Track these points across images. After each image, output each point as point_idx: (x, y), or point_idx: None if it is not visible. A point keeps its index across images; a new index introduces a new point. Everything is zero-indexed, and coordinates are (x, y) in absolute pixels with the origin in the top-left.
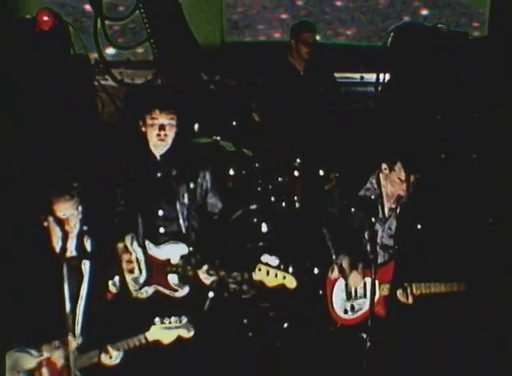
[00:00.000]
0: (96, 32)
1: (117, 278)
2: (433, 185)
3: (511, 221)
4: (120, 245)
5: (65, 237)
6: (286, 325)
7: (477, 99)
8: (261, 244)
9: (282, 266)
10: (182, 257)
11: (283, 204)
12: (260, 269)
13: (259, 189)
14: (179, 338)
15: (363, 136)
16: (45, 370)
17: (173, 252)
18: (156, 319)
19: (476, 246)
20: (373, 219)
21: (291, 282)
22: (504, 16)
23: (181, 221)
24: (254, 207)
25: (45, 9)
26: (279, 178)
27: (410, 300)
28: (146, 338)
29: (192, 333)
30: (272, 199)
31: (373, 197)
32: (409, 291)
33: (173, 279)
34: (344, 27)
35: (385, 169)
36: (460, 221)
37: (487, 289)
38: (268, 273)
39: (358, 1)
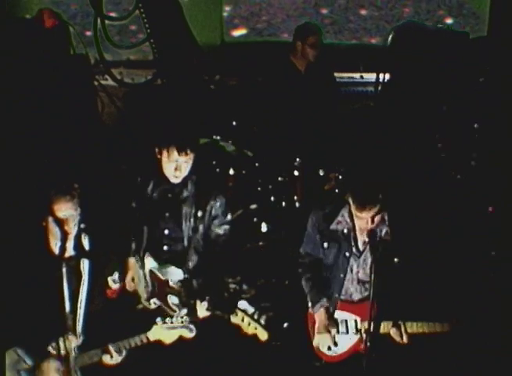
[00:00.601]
0: (96, 32)
1: (116, 274)
2: (405, 216)
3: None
4: (130, 262)
5: (64, 237)
6: (286, 325)
7: (477, 99)
8: (261, 243)
9: (256, 316)
10: (180, 282)
11: (283, 204)
12: (237, 314)
13: (259, 189)
14: (181, 338)
15: (363, 136)
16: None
17: (172, 275)
18: (158, 319)
19: (456, 280)
20: (347, 254)
21: (262, 335)
22: (504, 16)
23: (185, 242)
24: (254, 207)
25: (46, 9)
26: (279, 178)
27: (405, 339)
28: (147, 338)
29: (194, 333)
30: (272, 199)
31: (345, 231)
32: (402, 329)
33: (173, 300)
34: (369, 35)
35: (349, 201)
36: (438, 256)
37: (474, 328)
38: (242, 320)
39: (382, 9)
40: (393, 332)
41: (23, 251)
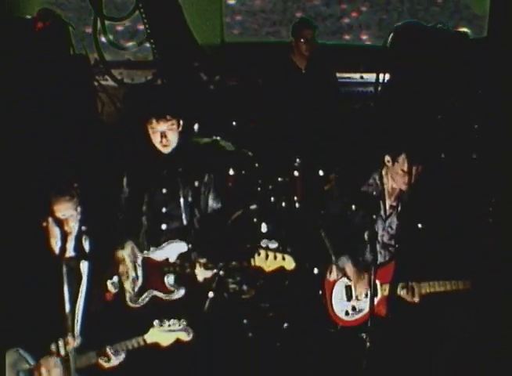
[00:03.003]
0: (96, 32)
1: (115, 278)
2: (433, 183)
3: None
4: (119, 254)
5: (64, 238)
6: (286, 325)
7: (478, 99)
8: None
9: (281, 248)
10: (181, 255)
11: (283, 204)
12: (259, 254)
13: (259, 189)
14: (178, 341)
15: (363, 136)
16: (44, 370)
17: (172, 251)
18: (156, 322)
19: (477, 244)
20: (374, 216)
21: (290, 263)
22: (504, 16)
23: (183, 218)
24: (254, 207)
25: (45, 9)
26: (279, 178)
27: (416, 299)
28: (144, 341)
29: (191, 336)
30: (272, 199)
31: (374, 193)
32: (416, 290)
33: (169, 280)
34: None
35: (388, 162)
36: (461, 219)
37: (490, 287)
38: (267, 257)
39: None
40: (403, 293)
41: (24, 251)
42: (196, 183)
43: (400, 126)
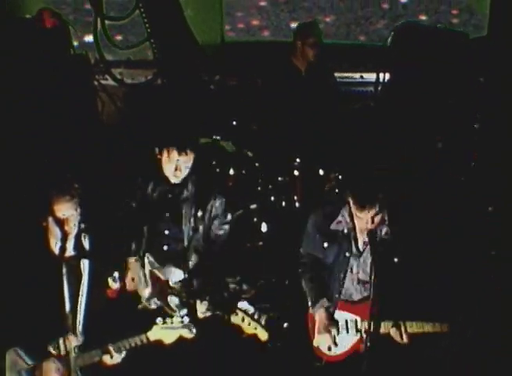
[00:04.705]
0: (96, 32)
1: (116, 273)
2: (405, 216)
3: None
4: (131, 261)
5: (64, 237)
6: (286, 325)
7: (477, 99)
8: (260, 243)
9: (256, 316)
10: (180, 282)
11: (283, 204)
12: (237, 314)
13: (259, 189)
14: (181, 338)
15: (363, 136)
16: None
17: (172, 275)
18: (158, 319)
19: (457, 280)
20: (347, 254)
21: (263, 334)
22: (504, 16)
23: (185, 242)
24: (254, 207)
25: (46, 9)
26: (279, 178)
27: (405, 339)
28: (147, 338)
29: (193, 333)
30: (272, 199)
31: (345, 230)
32: (402, 329)
33: (173, 300)
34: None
35: (349, 201)
36: (438, 256)
37: (471, 330)
38: (243, 320)
39: None
40: (393, 332)
41: (23, 251)
42: (200, 210)
43: (400, 127)
